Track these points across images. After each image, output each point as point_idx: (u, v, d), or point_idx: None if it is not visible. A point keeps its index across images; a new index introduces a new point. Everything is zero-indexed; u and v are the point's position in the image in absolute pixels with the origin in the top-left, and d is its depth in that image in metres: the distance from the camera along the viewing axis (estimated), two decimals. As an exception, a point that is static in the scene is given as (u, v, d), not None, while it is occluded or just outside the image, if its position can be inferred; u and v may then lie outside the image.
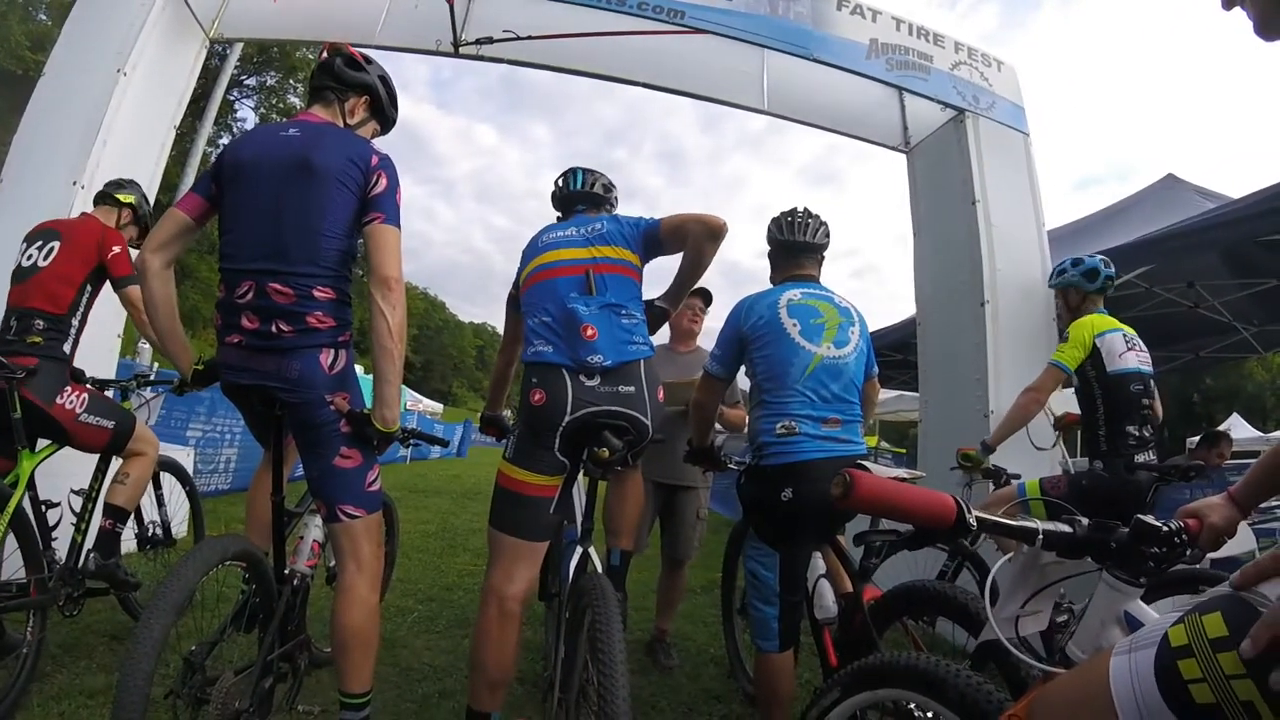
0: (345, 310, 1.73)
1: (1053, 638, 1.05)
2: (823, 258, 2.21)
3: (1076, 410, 2.90)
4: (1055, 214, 6.36)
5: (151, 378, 2.96)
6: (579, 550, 1.91)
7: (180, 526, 3.25)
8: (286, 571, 1.80)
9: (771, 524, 1.96)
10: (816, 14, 4.03)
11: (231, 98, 28.90)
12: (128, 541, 2.54)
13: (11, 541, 2.02)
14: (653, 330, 2.06)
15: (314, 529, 1.92)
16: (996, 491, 2.92)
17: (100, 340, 3.02)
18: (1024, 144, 4.30)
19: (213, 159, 1.87)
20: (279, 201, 1.65)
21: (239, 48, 7.39)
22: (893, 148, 4.60)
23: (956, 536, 0.92)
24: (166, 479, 2.87)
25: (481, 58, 3.88)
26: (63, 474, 2.40)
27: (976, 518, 0.92)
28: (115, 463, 2.46)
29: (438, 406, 37.43)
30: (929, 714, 1.15)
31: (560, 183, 2.25)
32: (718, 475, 2.86)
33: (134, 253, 2.48)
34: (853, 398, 2.01)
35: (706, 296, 3.27)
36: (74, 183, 3.10)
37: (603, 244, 1.94)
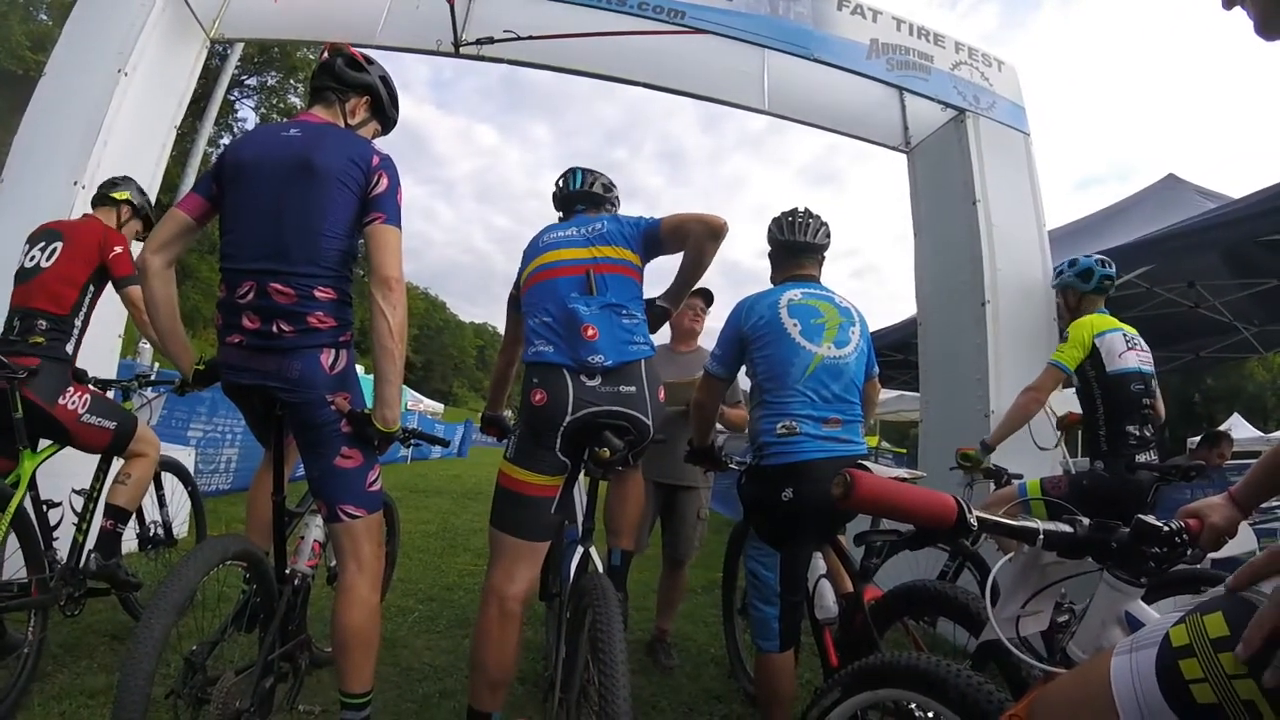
0: (346, 310, 1.73)
1: (1053, 638, 1.05)
2: (823, 258, 2.21)
3: (1079, 410, 2.89)
4: (1056, 214, 6.37)
5: (153, 378, 2.97)
6: (580, 550, 1.91)
7: (182, 526, 3.25)
8: (287, 571, 1.80)
9: (772, 524, 1.96)
10: (817, 14, 4.03)
11: (232, 98, 28.98)
12: (129, 541, 2.54)
13: (13, 541, 2.02)
14: (653, 330, 2.06)
15: (315, 529, 1.92)
16: (997, 491, 2.92)
17: (101, 340, 3.01)
18: (1024, 144, 4.30)
19: (214, 159, 1.87)
20: (280, 202, 1.65)
21: (240, 48, 7.38)
22: (893, 148, 4.60)
23: (957, 536, 0.92)
24: (168, 479, 2.87)
25: (482, 58, 3.88)
26: (64, 474, 2.41)
27: (977, 518, 0.92)
28: (117, 463, 2.47)
29: (438, 406, 37.43)
30: (930, 714, 1.15)
31: (560, 183, 2.25)
32: (718, 475, 2.86)
33: (139, 246, 2.49)
34: (853, 398, 2.01)
35: (707, 296, 3.27)
36: (74, 183, 3.10)
37: (603, 244, 1.94)
